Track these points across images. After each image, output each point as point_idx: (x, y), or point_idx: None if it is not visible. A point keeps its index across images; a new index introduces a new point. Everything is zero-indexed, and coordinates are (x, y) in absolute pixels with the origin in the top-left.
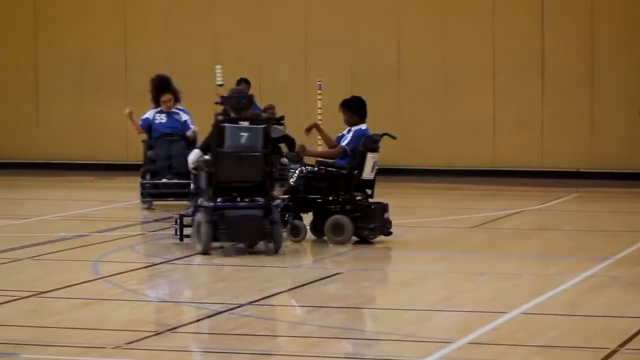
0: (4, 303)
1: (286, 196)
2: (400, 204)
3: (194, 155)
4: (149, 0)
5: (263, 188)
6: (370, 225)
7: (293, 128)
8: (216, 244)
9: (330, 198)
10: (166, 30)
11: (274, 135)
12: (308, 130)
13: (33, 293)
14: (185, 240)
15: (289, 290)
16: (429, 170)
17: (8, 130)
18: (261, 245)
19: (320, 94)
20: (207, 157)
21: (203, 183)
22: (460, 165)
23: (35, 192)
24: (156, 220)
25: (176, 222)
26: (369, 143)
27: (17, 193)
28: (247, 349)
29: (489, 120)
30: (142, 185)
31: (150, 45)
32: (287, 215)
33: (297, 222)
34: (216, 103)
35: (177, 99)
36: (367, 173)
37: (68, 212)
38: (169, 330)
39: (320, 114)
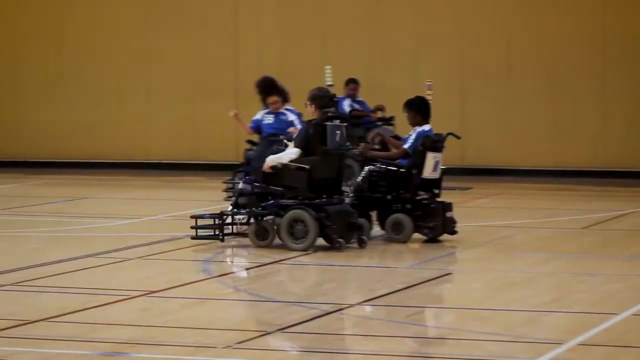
0: (115, 302)
1: (352, 195)
2: (509, 204)
3: (293, 153)
4: (261, 0)
5: (339, 184)
6: (430, 223)
7: (403, 128)
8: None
9: (390, 197)
10: (277, 30)
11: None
12: (371, 140)
13: (144, 292)
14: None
15: (398, 290)
16: (537, 171)
17: (120, 132)
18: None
19: (430, 94)
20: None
21: (297, 181)
22: (569, 166)
23: (147, 192)
24: None
25: (215, 221)
26: (428, 143)
27: (129, 193)
28: (356, 350)
29: (597, 120)
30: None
31: (260, 45)
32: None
33: (361, 220)
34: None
35: (285, 100)
36: (429, 172)
37: (179, 212)
38: (278, 330)
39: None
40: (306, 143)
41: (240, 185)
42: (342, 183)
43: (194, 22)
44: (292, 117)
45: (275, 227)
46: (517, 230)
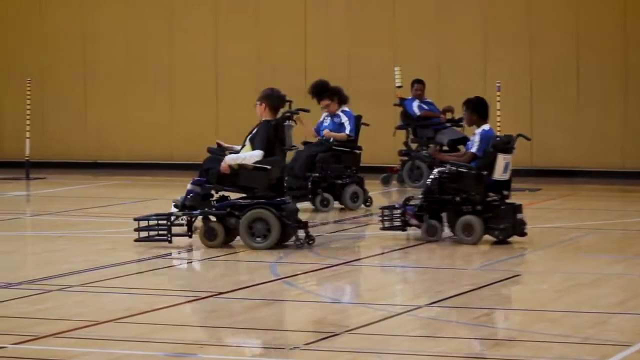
0: (182, 303)
1: (421, 196)
2: (578, 206)
3: (256, 155)
4: (328, 1)
5: (283, 182)
6: (500, 225)
7: (472, 130)
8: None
9: (460, 198)
10: (346, 31)
11: (453, 137)
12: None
13: (212, 294)
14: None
15: (467, 292)
16: (606, 172)
17: (189, 133)
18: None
19: (499, 96)
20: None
21: (257, 182)
22: (638, 167)
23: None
24: (335, 222)
25: (188, 221)
26: (500, 144)
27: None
28: (425, 351)
29: None
30: None
31: (329, 46)
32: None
33: (433, 221)
34: (395, 105)
35: (341, 101)
36: (499, 174)
37: None
38: (347, 331)
39: (499, 115)
40: (267, 144)
41: (189, 186)
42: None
43: (263, 24)
44: (344, 119)
45: (226, 227)
46: (586, 231)
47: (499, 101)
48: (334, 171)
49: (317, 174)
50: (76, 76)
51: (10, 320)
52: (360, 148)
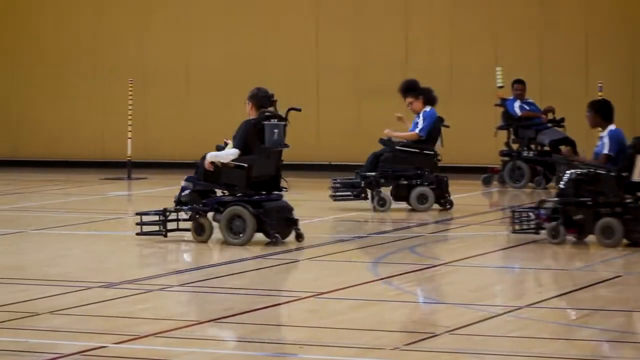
0: (284, 303)
1: (556, 199)
2: None
3: (232, 152)
4: (432, 1)
5: (278, 181)
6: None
7: (574, 130)
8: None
9: (599, 201)
10: (448, 31)
11: (554, 137)
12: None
13: (313, 294)
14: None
15: (566, 293)
16: None
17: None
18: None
19: (601, 96)
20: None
21: (236, 179)
22: None
23: (315, 194)
24: (437, 222)
25: (161, 217)
26: (639, 144)
27: (299, 194)
28: (525, 352)
29: None
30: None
31: (431, 45)
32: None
33: (556, 224)
34: (496, 105)
35: (427, 102)
36: (637, 175)
37: (346, 214)
38: (447, 332)
39: None
40: (245, 142)
41: (183, 183)
42: (281, 180)
43: (365, 23)
44: (420, 119)
45: (213, 223)
46: None
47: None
48: (401, 171)
49: (373, 173)
50: (178, 77)
51: (111, 320)
52: (431, 149)
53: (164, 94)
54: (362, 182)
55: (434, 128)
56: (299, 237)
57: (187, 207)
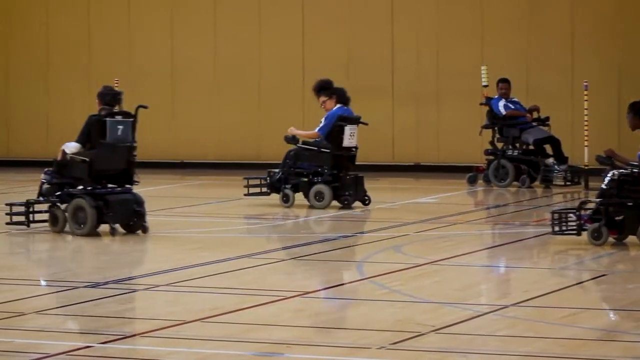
0: (269, 303)
1: (598, 200)
2: None
3: (72, 146)
4: (417, 1)
5: (128, 175)
6: None
7: (558, 129)
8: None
9: None
10: (434, 31)
11: (539, 137)
12: (608, 156)
13: (299, 293)
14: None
15: (553, 291)
16: None
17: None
18: None
19: (586, 95)
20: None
21: (81, 172)
22: None
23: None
24: (422, 221)
25: (28, 207)
26: None
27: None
28: (511, 351)
29: None
30: None
31: (417, 44)
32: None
33: (598, 225)
34: (481, 104)
35: (339, 101)
36: None
37: (333, 213)
38: (433, 331)
39: (586, 114)
40: (86, 137)
41: (42, 176)
42: (133, 174)
43: (351, 25)
44: (323, 118)
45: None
46: None
47: (586, 100)
48: (302, 168)
49: (276, 170)
50: (164, 77)
51: (98, 320)
52: (329, 147)
53: (150, 94)
54: (268, 179)
55: (335, 128)
56: (144, 229)
57: (42, 199)
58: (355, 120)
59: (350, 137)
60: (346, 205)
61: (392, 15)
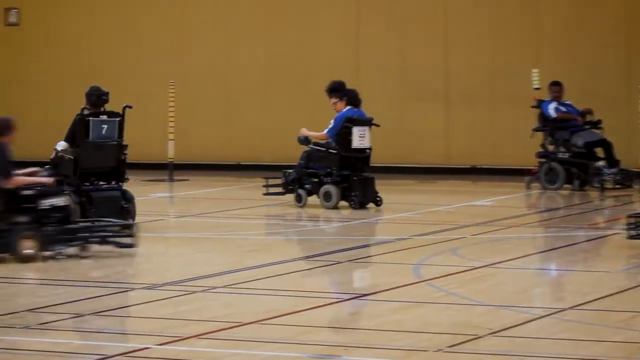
0: (328, 305)
1: None
2: None
3: (61, 145)
4: (473, 3)
5: (118, 172)
6: None
7: (612, 132)
8: None
9: None
10: (489, 32)
11: (589, 139)
12: None
13: (355, 295)
14: None
15: (612, 294)
16: None
17: None
18: None
19: None
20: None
21: (68, 170)
22: None
23: None
24: (478, 224)
25: None
26: None
27: None
28: (570, 354)
29: None
30: None
31: (471, 48)
32: None
33: None
34: (533, 107)
35: (350, 103)
36: None
37: (390, 216)
38: (490, 334)
39: None
40: (72, 136)
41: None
42: (124, 172)
43: (403, 25)
44: (332, 119)
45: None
46: None
47: None
48: (314, 169)
49: (290, 170)
50: (218, 79)
51: (155, 322)
52: (336, 149)
53: (204, 96)
54: (284, 179)
55: (342, 129)
56: (129, 227)
57: None
58: (365, 122)
59: (360, 138)
60: (352, 206)
61: (446, 19)
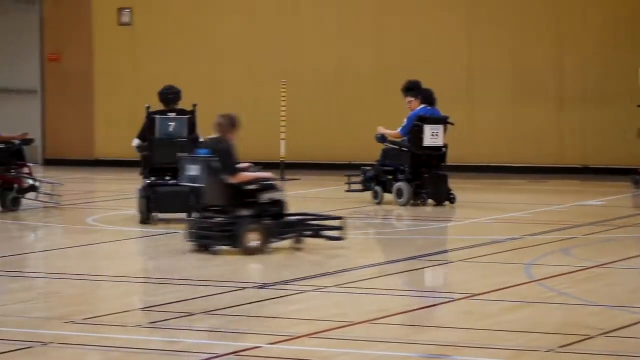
0: (438, 305)
1: None
2: None
3: (135, 142)
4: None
5: None
6: None
7: None
8: None
9: None
10: (599, 31)
11: None
12: None
13: (467, 295)
14: None
15: None
16: None
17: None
18: None
19: None
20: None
21: (143, 164)
22: None
23: (470, 195)
24: (590, 224)
25: None
26: None
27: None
28: None
29: None
30: None
31: (586, 47)
32: None
33: None
34: (638, 106)
35: (424, 102)
36: None
37: (501, 215)
38: (602, 334)
39: None
40: (143, 133)
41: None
42: None
43: (517, 25)
44: (406, 118)
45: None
46: None
47: None
48: (389, 167)
49: (368, 168)
50: (327, 78)
51: (266, 320)
52: (408, 147)
53: (315, 95)
54: (363, 177)
55: (414, 128)
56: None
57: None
58: (439, 121)
59: (432, 137)
60: (422, 204)
61: (559, 16)
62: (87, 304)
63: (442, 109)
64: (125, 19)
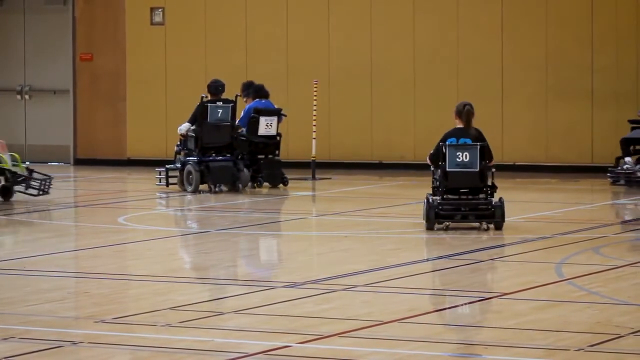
0: (468, 304)
1: None
2: None
3: (184, 126)
4: (616, 4)
5: (231, 147)
6: None
7: None
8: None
9: None
10: (636, 29)
11: None
12: None
13: (497, 294)
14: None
15: None
16: None
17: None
18: None
19: None
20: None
21: (192, 145)
22: None
23: (501, 194)
24: (621, 223)
25: (160, 173)
26: None
27: None
28: None
29: None
30: None
31: (617, 44)
32: None
33: None
34: None
35: (256, 97)
36: None
37: (532, 214)
38: (632, 333)
39: None
40: (194, 118)
41: (175, 149)
42: (237, 147)
43: (550, 23)
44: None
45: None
46: None
47: None
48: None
49: None
50: (362, 77)
51: (296, 320)
52: (243, 135)
53: (347, 94)
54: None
55: (252, 119)
56: (236, 188)
57: (174, 165)
58: (273, 113)
59: (266, 127)
60: (258, 186)
61: (592, 15)
62: (117, 303)
63: (476, 106)
64: (158, 18)
